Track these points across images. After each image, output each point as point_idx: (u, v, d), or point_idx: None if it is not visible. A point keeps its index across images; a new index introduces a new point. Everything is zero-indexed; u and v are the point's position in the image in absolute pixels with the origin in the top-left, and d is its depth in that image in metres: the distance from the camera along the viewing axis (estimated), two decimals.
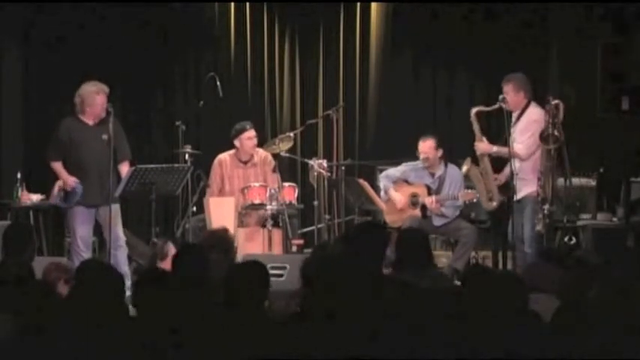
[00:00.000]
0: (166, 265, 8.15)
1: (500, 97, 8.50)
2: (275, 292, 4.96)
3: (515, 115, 8.55)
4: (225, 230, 6.94)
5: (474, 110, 8.74)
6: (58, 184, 8.81)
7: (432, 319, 4.21)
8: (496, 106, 8.54)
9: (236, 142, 9.54)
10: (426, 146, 9.23)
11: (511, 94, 8.51)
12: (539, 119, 8.36)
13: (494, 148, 8.65)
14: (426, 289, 4.62)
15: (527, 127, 8.46)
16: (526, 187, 8.42)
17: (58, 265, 6.04)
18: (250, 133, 9.53)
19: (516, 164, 8.42)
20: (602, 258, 5.28)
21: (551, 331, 4.17)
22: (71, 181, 8.58)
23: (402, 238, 5.99)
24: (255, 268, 4.78)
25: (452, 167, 9.31)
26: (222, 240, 6.55)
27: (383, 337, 4.12)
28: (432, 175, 9.30)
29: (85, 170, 8.59)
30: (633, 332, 4.02)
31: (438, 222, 9.20)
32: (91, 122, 8.63)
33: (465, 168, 8.86)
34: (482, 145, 8.71)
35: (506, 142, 8.45)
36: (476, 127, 8.71)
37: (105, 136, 8.51)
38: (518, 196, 8.41)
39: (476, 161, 8.76)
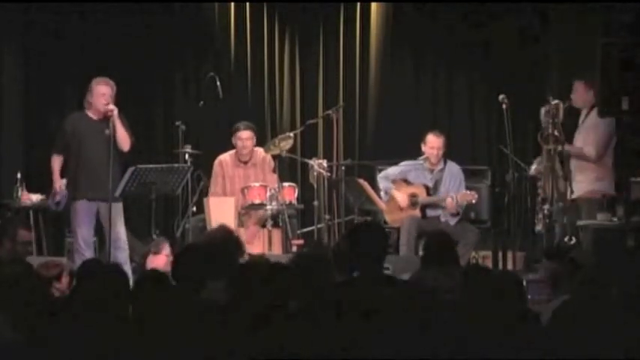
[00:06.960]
0: (159, 261, 8.17)
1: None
2: None
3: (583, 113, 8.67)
4: (230, 230, 6.81)
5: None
6: (54, 189, 8.83)
7: (431, 319, 4.21)
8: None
9: (233, 141, 9.59)
10: (439, 142, 9.32)
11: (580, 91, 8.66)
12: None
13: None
14: (426, 289, 4.62)
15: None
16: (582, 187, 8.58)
17: (47, 264, 6.02)
18: (242, 134, 9.54)
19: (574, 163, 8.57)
20: (598, 258, 5.28)
21: (551, 331, 4.17)
22: (58, 187, 8.65)
23: (430, 240, 6.52)
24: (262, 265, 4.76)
25: (451, 164, 9.34)
26: (232, 240, 6.43)
27: (381, 336, 4.12)
28: (432, 170, 9.33)
29: (88, 164, 8.59)
30: (628, 332, 4.02)
31: (452, 221, 9.23)
32: (95, 118, 8.64)
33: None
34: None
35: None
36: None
37: (107, 132, 8.50)
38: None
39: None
